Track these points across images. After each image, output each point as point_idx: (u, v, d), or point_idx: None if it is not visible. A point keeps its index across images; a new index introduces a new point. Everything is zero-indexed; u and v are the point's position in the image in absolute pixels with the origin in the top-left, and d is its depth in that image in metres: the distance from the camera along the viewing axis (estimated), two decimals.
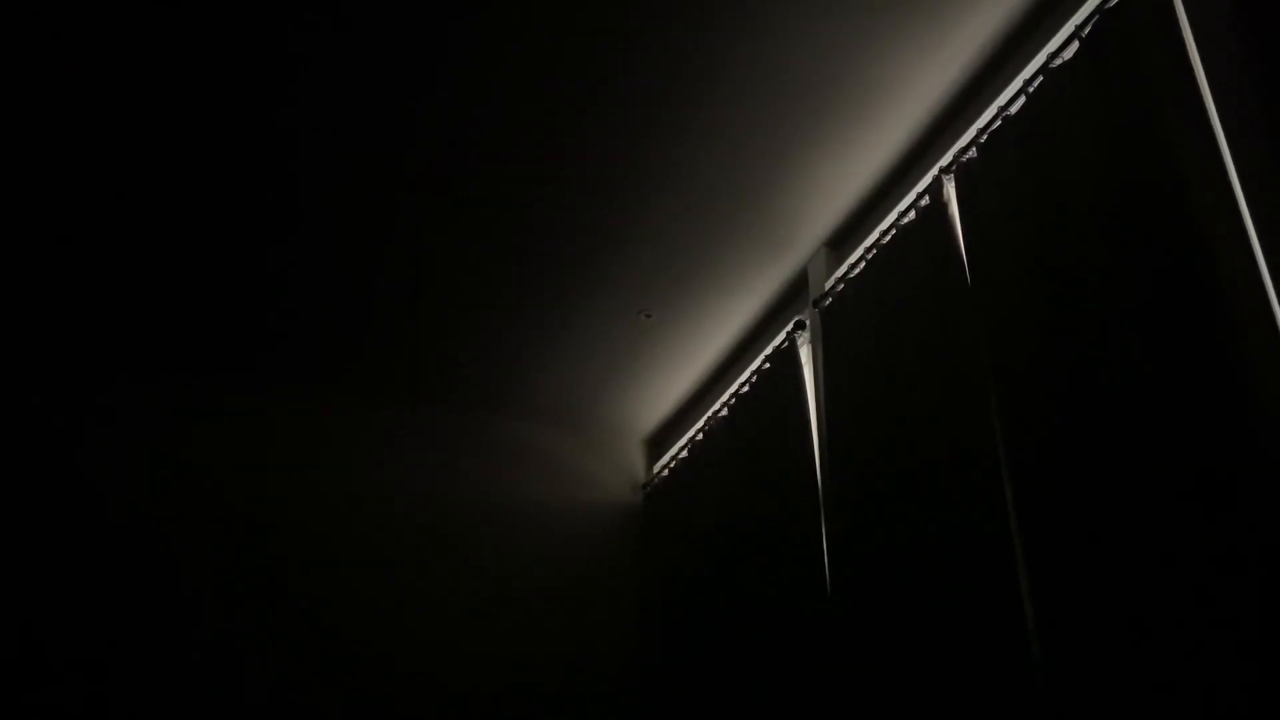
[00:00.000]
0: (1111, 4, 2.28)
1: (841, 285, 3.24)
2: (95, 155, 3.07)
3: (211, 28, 2.66)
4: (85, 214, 3.31)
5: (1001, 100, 2.70)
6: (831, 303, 3.28)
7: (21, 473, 3.81)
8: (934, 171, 2.89)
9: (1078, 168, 2.29)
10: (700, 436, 4.20)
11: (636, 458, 4.92)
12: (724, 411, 4.01)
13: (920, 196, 2.91)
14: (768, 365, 3.70)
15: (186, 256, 3.53)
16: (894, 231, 3.02)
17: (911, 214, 2.94)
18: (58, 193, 3.22)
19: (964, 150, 2.74)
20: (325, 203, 3.32)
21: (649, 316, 3.94)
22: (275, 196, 3.29)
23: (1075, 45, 2.38)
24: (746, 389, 3.84)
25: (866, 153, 3.12)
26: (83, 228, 3.37)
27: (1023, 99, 2.54)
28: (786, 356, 3.59)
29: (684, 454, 4.36)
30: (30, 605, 3.65)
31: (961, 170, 2.73)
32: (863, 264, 3.15)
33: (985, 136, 2.66)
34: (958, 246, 2.72)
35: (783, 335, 3.65)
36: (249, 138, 3.04)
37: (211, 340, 4.02)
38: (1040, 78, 2.48)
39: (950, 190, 2.83)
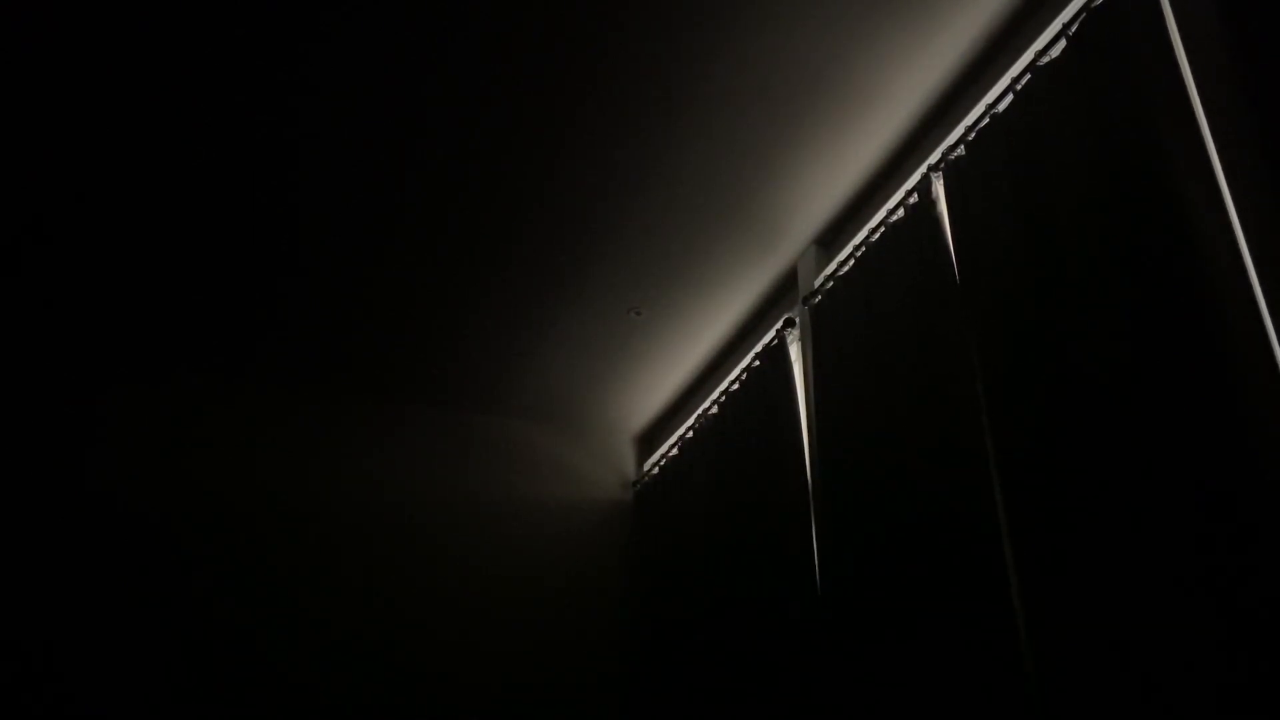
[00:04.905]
0: (1099, 3, 2.29)
1: (831, 283, 3.25)
2: (92, 154, 3.06)
3: (209, 26, 2.65)
4: (80, 213, 3.30)
5: (989, 98, 2.71)
6: (821, 300, 3.29)
7: (17, 471, 3.81)
8: (923, 169, 2.90)
9: (1066, 165, 2.30)
10: (690, 434, 4.21)
11: (627, 455, 4.92)
12: (714, 409, 4.02)
13: (909, 194, 2.91)
14: (757, 363, 3.70)
15: (180, 254, 3.52)
16: (883, 229, 3.02)
17: (900, 212, 2.95)
18: (54, 192, 3.20)
19: (952, 148, 2.74)
20: (317, 203, 3.31)
21: (639, 314, 3.95)
22: (269, 196, 3.28)
23: (1063, 44, 2.39)
24: (736, 386, 3.84)
25: (855, 151, 3.12)
26: (77, 226, 3.36)
27: (1010, 97, 2.54)
28: (776, 354, 3.59)
29: (674, 451, 4.36)
30: (26, 603, 3.64)
31: (950, 168, 2.74)
32: (852, 261, 3.16)
33: (974, 134, 2.66)
34: (946, 244, 2.72)
35: (772, 333, 3.65)
36: (244, 136, 3.03)
37: (203, 338, 4.02)
38: (1028, 76, 2.49)
39: (939, 188, 2.83)
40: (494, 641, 4.23)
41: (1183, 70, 2.07)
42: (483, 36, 2.71)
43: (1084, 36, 2.32)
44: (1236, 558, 1.72)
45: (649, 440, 4.92)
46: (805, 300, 3.39)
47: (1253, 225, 1.88)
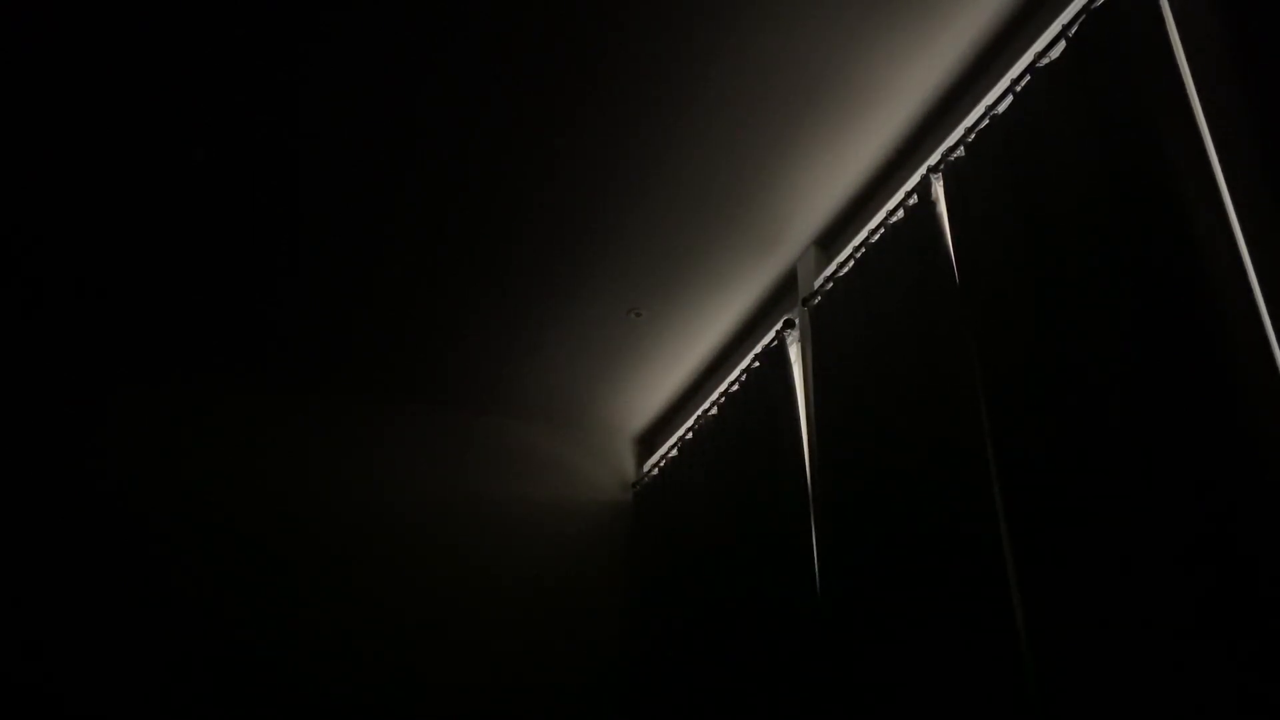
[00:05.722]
0: (1098, 4, 2.29)
1: (830, 284, 3.25)
2: (92, 155, 3.06)
3: (209, 26, 2.65)
4: (81, 214, 3.30)
5: (989, 100, 2.71)
6: (821, 301, 3.29)
7: (18, 473, 3.81)
8: (922, 170, 2.90)
9: (1065, 167, 2.30)
10: (690, 435, 4.21)
11: (626, 456, 4.92)
12: (714, 410, 4.02)
13: (909, 195, 2.91)
14: (757, 364, 3.70)
15: (180, 255, 3.53)
16: (883, 230, 3.02)
17: (900, 213, 2.95)
18: (55, 193, 3.20)
19: (952, 149, 2.74)
20: (317, 203, 3.31)
21: (639, 315, 3.95)
22: (269, 196, 3.28)
23: (1062, 45, 2.39)
24: (736, 388, 3.84)
25: (855, 152, 3.12)
26: (80, 227, 3.36)
27: (1010, 99, 2.54)
28: (776, 355, 3.59)
29: (674, 453, 4.36)
30: (28, 604, 3.65)
31: (949, 169, 2.74)
32: (851, 263, 3.16)
33: (973, 136, 2.66)
34: (946, 245, 2.73)
35: (772, 334, 3.66)
36: (244, 136, 3.03)
37: (203, 338, 4.02)
38: (1027, 77, 2.49)
39: (938, 189, 2.84)
40: (494, 642, 4.23)
41: (1182, 71, 2.07)
42: (483, 36, 2.72)
43: (1084, 38, 2.32)
44: (1237, 558, 1.72)
45: (649, 441, 4.92)
46: (805, 301, 3.39)
47: (1252, 225, 1.88)
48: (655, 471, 4.57)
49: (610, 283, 3.74)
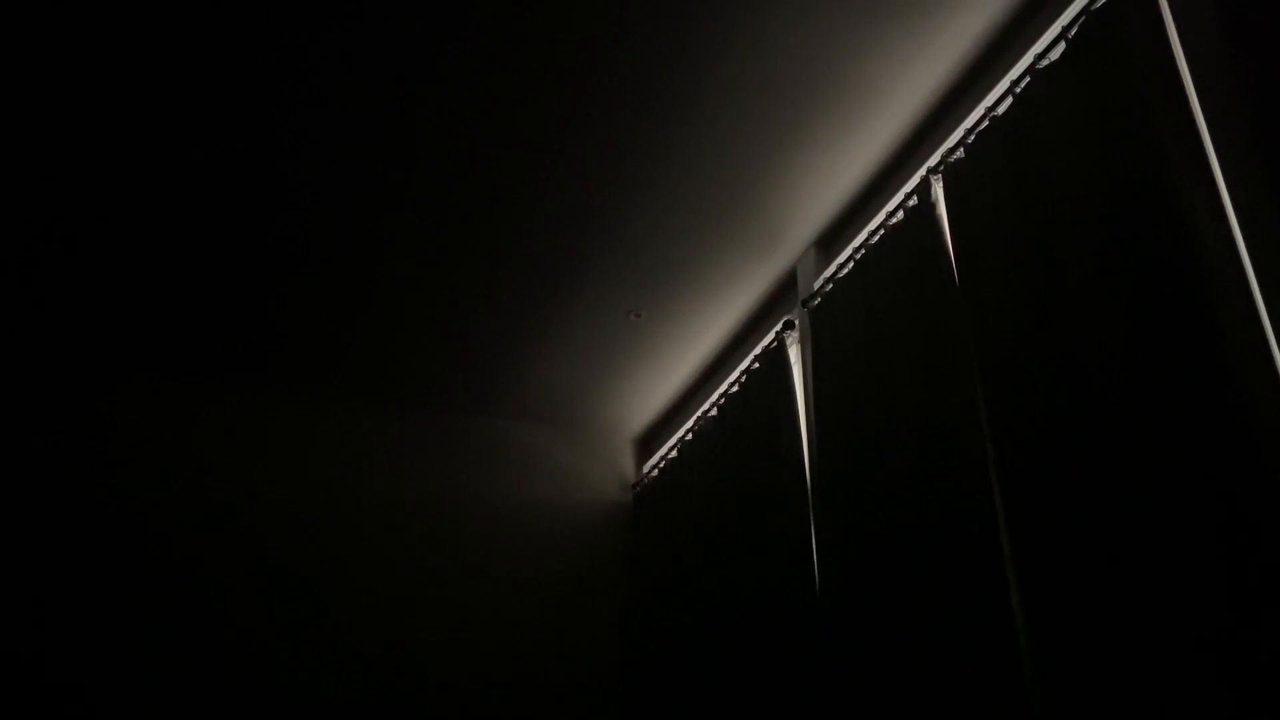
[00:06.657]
0: (1098, 5, 2.29)
1: (830, 285, 3.25)
2: (95, 155, 3.06)
3: (209, 27, 2.66)
4: (83, 214, 3.31)
5: (989, 101, 2.71)
6: (820, 303, 3.29)
7: (20, 471, 3.81)
8: (922, 172, 2.91)
9: (1065, 168, 2.31)
10: (690, 436, 4.21)
11: (626, 457, 4.92)
12: (713, 411, 4.02)
13: (908, 197, 2.92)
14: (757, 365, 3.70)
15: (180, 256, 3.53)
16: (882, 231, 3.03)
17: (900, 214, 2.96)
18: (56, 193, 3.21)
19: (951, 151, 2.75)
20: (317, 204, 3.32)
21: (639, 316, 3.95)
22: (269, 197, 3.28)
23: (1062, 46, 2.40)
24: (736, 389, 3.84)
25: (855, 153, 3.13)
26: (80, 228, 3.37)
27: (1010, 100, 2.55)
28: (775, 356, 3.59)
29: (673, 454, 4.36)
30: (30, 603, 3.64)
31: (949, 171, 2.75)
32: (851, 264, 3.16)
33: (973, 137, 2.67)
34: (945, 246, 2.73)
35: (772, 335, 3.66)
36: (244, 137, 3.03)
37: (203, 339, 4.02)
38: (1027, 79, 2.49)
39: (938, 190, 2.84)
40: (494, 642, 4.23)
41: (1182, 73, 2.08)
42: (483, 36, 2.72)
43: (1083, 39, 2.32)
44: (1236, 558, 1.72)
45: (648, 442, 4.92)
46: (805, 302, 3.39)
47: (1252, 226, 1.88)
48: (655, 473, 4.57)
49: (610, 284, 3.75)
